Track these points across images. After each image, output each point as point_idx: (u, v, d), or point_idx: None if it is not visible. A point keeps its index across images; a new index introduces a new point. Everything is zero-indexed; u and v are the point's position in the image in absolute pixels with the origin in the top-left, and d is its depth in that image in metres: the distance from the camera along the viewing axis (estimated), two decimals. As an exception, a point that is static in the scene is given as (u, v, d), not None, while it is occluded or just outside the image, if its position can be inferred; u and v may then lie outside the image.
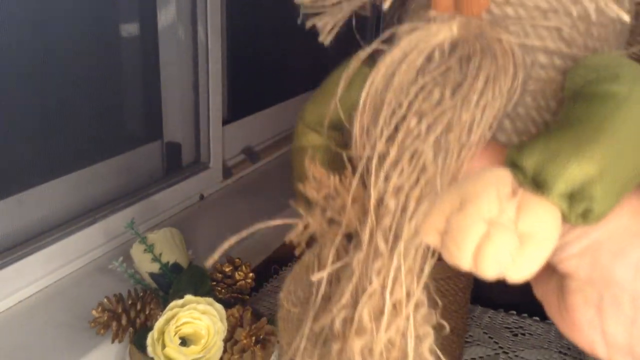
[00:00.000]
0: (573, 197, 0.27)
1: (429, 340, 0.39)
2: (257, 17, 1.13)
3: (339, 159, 0.42)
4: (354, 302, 0.39)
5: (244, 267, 0.69)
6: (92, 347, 0.62)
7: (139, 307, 0.63)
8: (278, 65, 1.27)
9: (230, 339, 0.58)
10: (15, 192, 0.72)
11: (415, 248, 0.35)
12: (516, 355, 0.79)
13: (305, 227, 0.43)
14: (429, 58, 0.36)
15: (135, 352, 0.59)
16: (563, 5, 0.34)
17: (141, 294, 0.64)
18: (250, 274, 0.69)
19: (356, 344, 0.39)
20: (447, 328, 0.39)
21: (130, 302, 0.62)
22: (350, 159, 0.42)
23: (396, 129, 0.36)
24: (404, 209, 0.36)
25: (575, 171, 0.27)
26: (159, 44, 0.92)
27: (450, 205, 0.29)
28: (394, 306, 0.38)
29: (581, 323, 0.31)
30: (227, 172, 1.04)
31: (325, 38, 0.47)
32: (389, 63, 0.37)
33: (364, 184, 0.39)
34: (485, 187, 0.28)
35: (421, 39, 0.37)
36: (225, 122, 1.03)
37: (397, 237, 0.37)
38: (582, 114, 0.29)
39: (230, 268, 0.69)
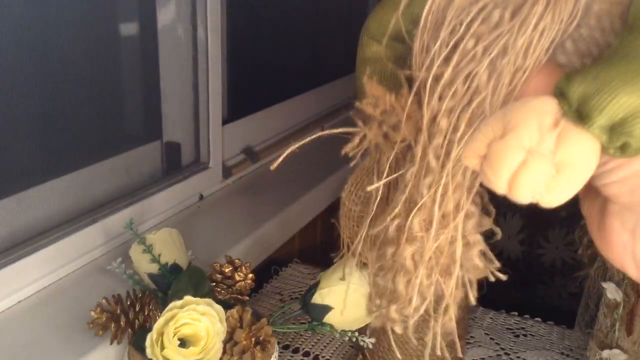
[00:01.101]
0: (613, 130, 0.28)
1: (478, 247, 0.40)
2: (257, 17, 1.13)
3: (398, 74, 0.43)
4: (407, 212, 0.41)
5: (243, 268, 0.69)
6: (90, 348, 0.62)
7: (137, 308, 0.62)
8: (278, 65, 1.26)
9: (229, 340, 0.57)
10: (14, 192, 0.72)
11: (465, 165, 0.36)
12: (518, 357, 0.79)
13: (362, 139, 0.45)
14: None
15: (134, 353, 0.58)
16: None
17: (140, 294, 0.64)
18: (250, 275, 0.69)
19: (407, 250, 0.42)
20: (499, 233, 0.41)
21: (129, 303, 0.62)
22: (408, 77, 0.43)
23: (454, 49, 0.36)
24: (455, 129, 0.37)
25: (617, 105, 0.27)
26: (159, 43, 0.92)
27: (493, 132, 0.29)
28: (443, 217, 0.39)
29: (616, 244, 0.33)
30: (226, 172, 1.04)
31: None
32: None
33: (419, 103, 0.40)
34: (527, 117, 0.28)
35: None
36: (224, 121, 1.03)
37: (447, 155, 0.38)
38: (635, 48, 0.29)
39: (230, 269, 0.68)
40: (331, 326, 0.65)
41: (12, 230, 0.71)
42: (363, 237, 0.48)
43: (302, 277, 0.96)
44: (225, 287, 0.68)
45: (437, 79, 0.37)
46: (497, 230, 0.43)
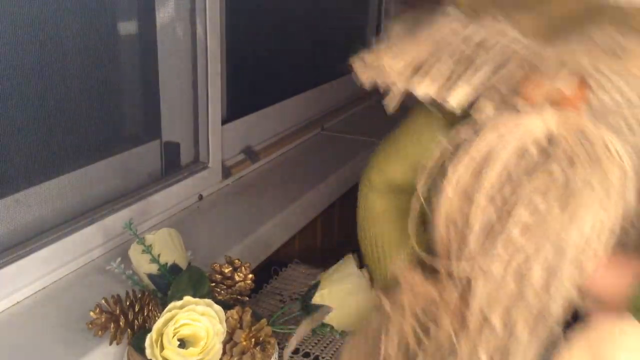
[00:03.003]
0: None
1: None
2: (257, 16, 1.13)
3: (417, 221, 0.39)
4: None
5: (243, 268, 0.68)
6: (90, 348, 0.62)
7: (137, 308, 0.62)
8: (277, 64, 1.26)
9: (229, 341, 0.57)
10: (13, 192, 0.72)
11: None
12: None
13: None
14: (521, 154, 0.33)
15: (134, 354, 0.58)
16: None
17: (139, 295, 0.63)
18: (250, 275, 0.69)
19: None
20: None
21: (128, 303, 0.62)
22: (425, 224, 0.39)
23: (491, 237, 0.33)
24: (512, 333, 0.33)
25: None
26: (158, 42, 0.91)
27: None
28: None
29: None
30: (226, 171, 1.04)
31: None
32: (474, 155, 0.33)
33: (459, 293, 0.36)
34: None
35: (511, 132, 0.33)
36: (224, 121, 1.02)
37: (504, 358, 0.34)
38: None
39: (230, 269, 0.68)
40: (331, 327, 0.65)
41: (10, 230, 0.71)
42: None
43: (302, 277, 0.96)
44: (225, 287, 0.68)
45: (483, 271, 0.33)
46: None
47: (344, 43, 1.43)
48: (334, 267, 0.66)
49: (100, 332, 0.60)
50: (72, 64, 0.78)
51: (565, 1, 0.35)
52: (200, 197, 0.98)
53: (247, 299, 0.69)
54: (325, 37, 1.41)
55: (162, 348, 0.55)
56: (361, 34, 1.55)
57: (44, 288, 0.71)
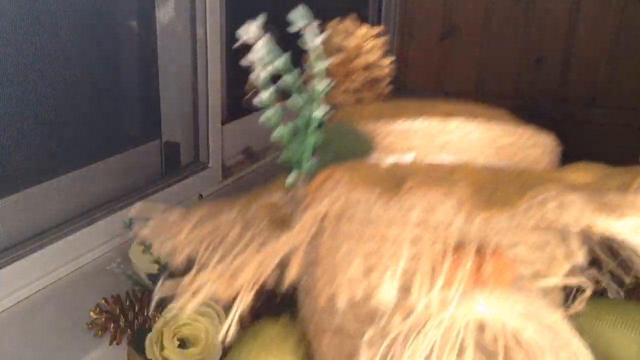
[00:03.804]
0: None
1: None
2: (257, 16, 1.13)
3: None
4: None
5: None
6: (90, 349, 0.62)
7: (137, 308, 0.62)
8: (277, 65, 1.26)
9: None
10: (12, 192, 0.72)
11: None
12: None
13: None
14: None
15: (134, 354, 0.58)
16: None
17: (140, 295, 0.63)
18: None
19: None
20: None
21: (128, 303, 0.62)
22: None
23: None
24: None
25: None
26: (158, 42, 0.91)
27: None
28: None
29: None
30: (226, 171, 1.04)
31: None
32: None
33: None
34: None
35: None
36: (224, 121, 1.02)
37: None
38: None
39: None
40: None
41: (9, 231, 0.71)
42: None
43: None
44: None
45: None
46: None
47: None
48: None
49: (100, 332, 0.60)
50: (72, 64, 0.78)
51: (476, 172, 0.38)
52: (201, 197, 0.98)
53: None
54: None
55: (162, 348, 0.55)
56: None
57: (45, 288, 0.71)
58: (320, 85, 0.49)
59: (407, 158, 0.42)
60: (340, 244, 0.38)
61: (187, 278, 0.38)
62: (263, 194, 0.50)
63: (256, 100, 0.51)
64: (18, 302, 0.69)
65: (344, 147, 0.45)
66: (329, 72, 0.49)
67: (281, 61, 0.51)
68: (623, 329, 0.44)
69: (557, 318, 0.34)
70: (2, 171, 0.71)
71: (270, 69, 0.51)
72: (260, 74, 0.52)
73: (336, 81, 0.53)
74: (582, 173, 0.41)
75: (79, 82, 0.79)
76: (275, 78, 0.52)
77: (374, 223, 0.37)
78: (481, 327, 0.33)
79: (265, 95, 0.52)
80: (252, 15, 0.51)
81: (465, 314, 0.33)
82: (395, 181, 0.37)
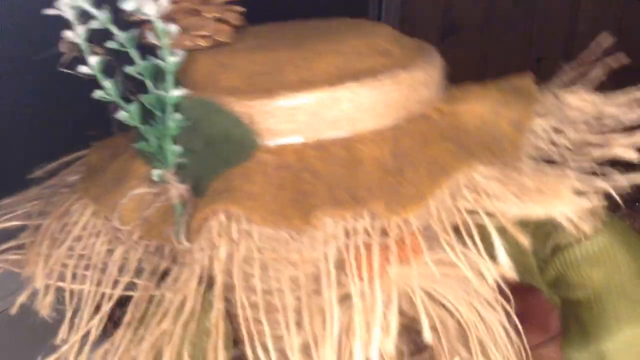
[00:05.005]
0: None
1: None
2: (257, 16, 1.12)
3: None
4: None
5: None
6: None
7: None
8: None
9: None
10: (13, 192, 0.72)
11: None
12: None
13: None
14: None
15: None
16: None
17: (139, 295, 0.63)
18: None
19: None
20: None
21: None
22: None
23: None
24: None
25: None
26: (158, 42, 0.91)
27: None
28: None
29: None
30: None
31: None
32: None
33: None
34: None
35: None
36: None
37: None
38: None
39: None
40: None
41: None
42: None
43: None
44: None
45: None
46: None
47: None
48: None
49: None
50: (71, 63, 0.77)
51: None
52: None
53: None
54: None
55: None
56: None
57: (44, 288, 0.71)
58: (171, 59, 0.39)
59: (294, 141, 0.37)
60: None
61: None
62: (121, 186, 0.42)
63: (81, 68, 0.40)
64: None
65: (216, 132, 0.38)
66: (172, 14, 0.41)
67: (105, 13, 0.38)
68: None
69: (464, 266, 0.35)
70: (2, 171, 0.71)
71: (94, 23, 0.38)
72: (78, 30, 0.39)
73: (182, 24, 0.43)
74: (475, 104, 0.45)
75: (78, 81, 0.79)
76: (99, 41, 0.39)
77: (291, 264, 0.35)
78: (405, 297, 0.35)
79: (92, 60, 0.40)
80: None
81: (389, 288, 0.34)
82: (299, 202, 0.34)
